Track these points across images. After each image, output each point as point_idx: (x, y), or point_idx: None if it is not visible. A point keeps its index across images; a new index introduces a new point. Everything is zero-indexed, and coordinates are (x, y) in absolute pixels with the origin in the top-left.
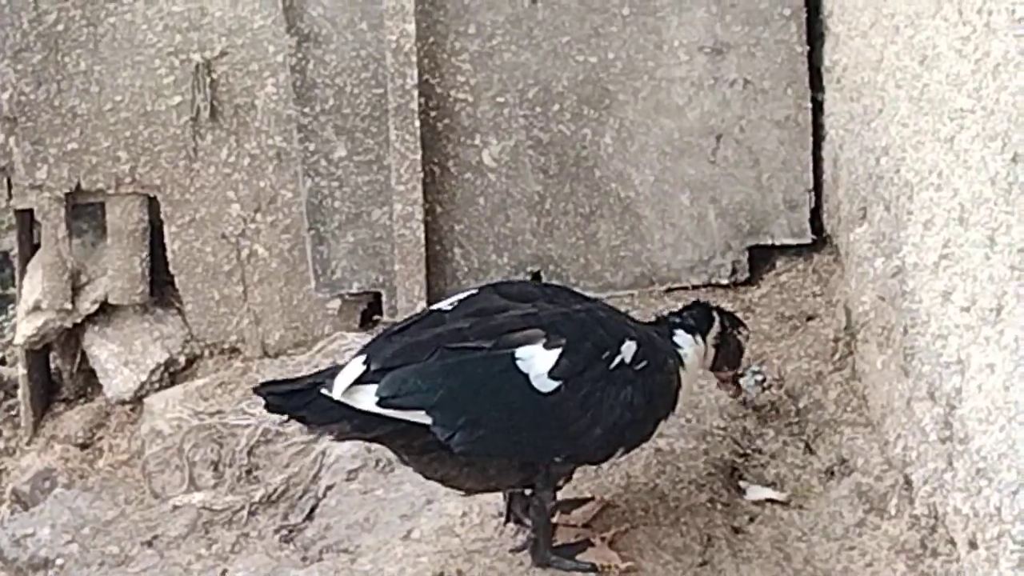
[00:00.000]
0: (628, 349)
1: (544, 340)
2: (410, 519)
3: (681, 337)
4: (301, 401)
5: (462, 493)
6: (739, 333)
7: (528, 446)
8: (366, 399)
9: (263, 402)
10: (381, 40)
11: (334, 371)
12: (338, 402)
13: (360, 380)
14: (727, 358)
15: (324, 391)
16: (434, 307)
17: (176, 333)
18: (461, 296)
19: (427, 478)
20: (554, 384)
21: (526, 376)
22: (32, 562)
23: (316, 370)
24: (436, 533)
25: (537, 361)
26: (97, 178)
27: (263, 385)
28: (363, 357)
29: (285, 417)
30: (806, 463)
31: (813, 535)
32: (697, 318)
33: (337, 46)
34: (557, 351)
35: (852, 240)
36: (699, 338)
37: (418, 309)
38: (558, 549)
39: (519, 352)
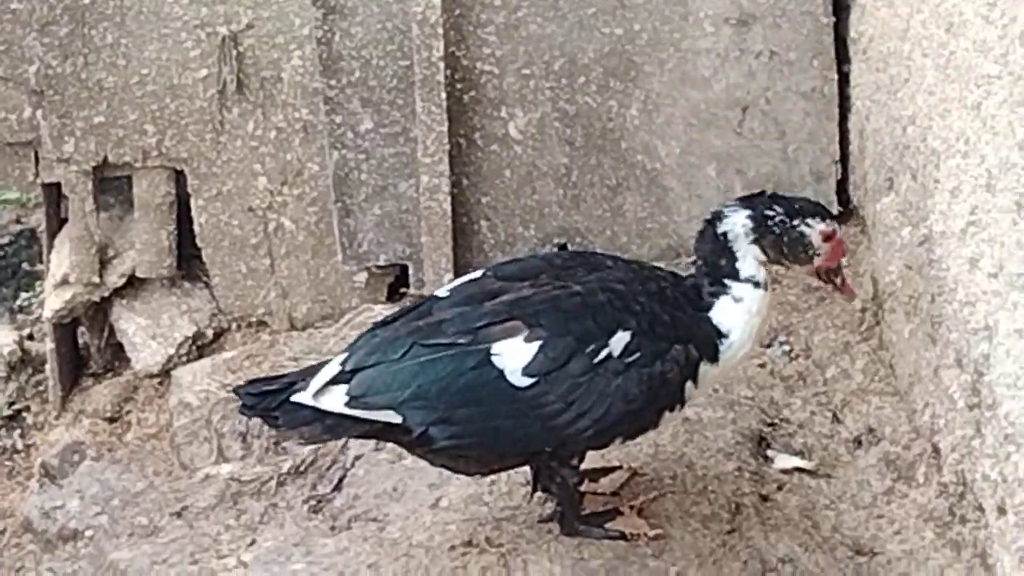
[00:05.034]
0: (618, 341)
1: (525, 333)
2: (438, 488)
3: (721, 308)
4: (273, 402)
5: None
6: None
7: (511, 439)
8: (336, 400)
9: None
10: (407, 12)
11: (316, 368)
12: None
13: (335, 380)
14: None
15: (296, 394)
16: (434, 293)
17: (203, 306)
18: (462, 280)
19: (434, 466)
20: (530, 380)
21: (501, 371)
22: (61, 533)
23: (343, 342)
24: (464, 501)
25: (514, 356)
26: (124, 151)
27: (242, 385)
28: (344, 356)
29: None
30: (833, 432)
31: (841, 503)
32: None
33: (363, 18)
34: (536, 344)
35: (879, 210)
36: (739, 286)
37: (445, 281)
38: (586, 518)
39: (495, 347)
